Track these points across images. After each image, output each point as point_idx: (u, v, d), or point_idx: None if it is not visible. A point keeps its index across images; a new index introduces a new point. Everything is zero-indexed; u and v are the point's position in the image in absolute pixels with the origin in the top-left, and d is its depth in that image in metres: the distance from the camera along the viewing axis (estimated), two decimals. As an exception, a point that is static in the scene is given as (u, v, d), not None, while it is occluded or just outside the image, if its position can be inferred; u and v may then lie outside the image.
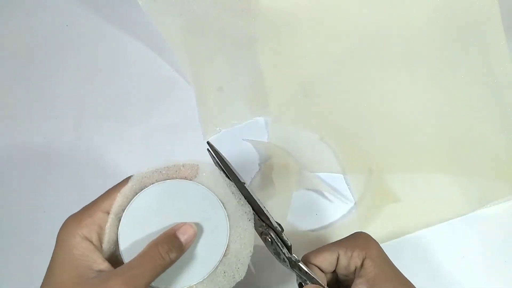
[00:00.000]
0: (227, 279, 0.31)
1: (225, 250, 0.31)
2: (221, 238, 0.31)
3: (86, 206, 0.29)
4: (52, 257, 0.28)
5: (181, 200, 0.31)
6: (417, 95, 0.48)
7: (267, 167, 0.48)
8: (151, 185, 0.32)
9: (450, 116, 0.47)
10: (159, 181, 0.32)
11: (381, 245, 0.44)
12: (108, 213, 0.30)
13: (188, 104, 0.51)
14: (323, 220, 0.46)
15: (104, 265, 0.28)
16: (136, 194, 0.31)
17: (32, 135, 0.51)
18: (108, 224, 0.30)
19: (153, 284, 0.29)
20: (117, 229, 0.30)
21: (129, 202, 0.31)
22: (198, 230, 0.30)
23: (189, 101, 0.51)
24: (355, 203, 0.46)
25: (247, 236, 0.32)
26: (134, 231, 0.30)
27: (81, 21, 0.55)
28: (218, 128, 0.50)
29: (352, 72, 0.48)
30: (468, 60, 0.47)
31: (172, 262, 0.28)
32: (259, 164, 0.48)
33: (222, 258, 0.31)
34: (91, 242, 0.28)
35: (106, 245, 0.30)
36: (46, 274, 0.28)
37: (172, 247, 0.28)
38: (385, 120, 0.48)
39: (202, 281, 0.30)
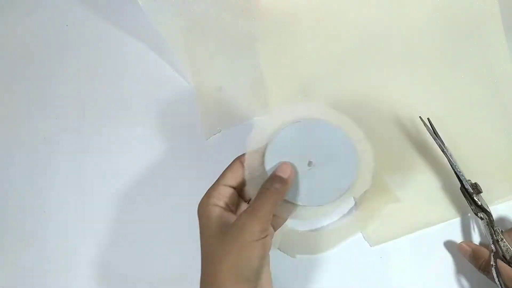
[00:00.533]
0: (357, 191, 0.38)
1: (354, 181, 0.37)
2: (352, 168, 0.37)
3: (211, 186, 0.37)
4: (199, 230, 0.36)
5: (315, 137, 0.38)
6: (417, 95, 0.48)
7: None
8: (285, 127, 0.38)
9: (450, 116, 0.47)
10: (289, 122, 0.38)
11: (381, 245, 0.45)
12: (227, 185, 0.37)
13: (188, 104, 0.51)
14: (323, 220, 0.46)
15: (236, 217, 0.35)
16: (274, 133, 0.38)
17: (32, 135, 0.51)
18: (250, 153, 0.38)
19: (306, 203, 0.37)
20: (263, 157, 0.37)
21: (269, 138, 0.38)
22: (331, 160, 0.37)
23: (189, 101, 0.51)
24: (355, 203, 0.46)
25: (371, 168, 0.38)
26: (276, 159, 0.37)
27: (81, 21, 0.55)
28: (218, 128, 0.50)
29: (352, 72, 0.48)
30: (468, 60, 0.47)
31: (280, 191, 0.35)
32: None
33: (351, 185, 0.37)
34: (221, 207, 0.36)
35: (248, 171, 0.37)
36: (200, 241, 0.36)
37: (275, 182, 0.35)
38: (385, 120, 0.48)
39: (335, 200, 0.37)
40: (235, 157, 0.38)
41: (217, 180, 0.37)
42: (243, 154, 0.38)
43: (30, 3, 0.57)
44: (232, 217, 0.35)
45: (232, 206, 0.37)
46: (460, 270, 0.43)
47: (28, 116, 0.52)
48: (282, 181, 0.35)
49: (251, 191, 0.37)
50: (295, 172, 0.37)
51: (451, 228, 0.45)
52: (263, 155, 0.38)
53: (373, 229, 0.45)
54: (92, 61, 0.54)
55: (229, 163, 0.38)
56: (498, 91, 0.46)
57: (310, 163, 0.37)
